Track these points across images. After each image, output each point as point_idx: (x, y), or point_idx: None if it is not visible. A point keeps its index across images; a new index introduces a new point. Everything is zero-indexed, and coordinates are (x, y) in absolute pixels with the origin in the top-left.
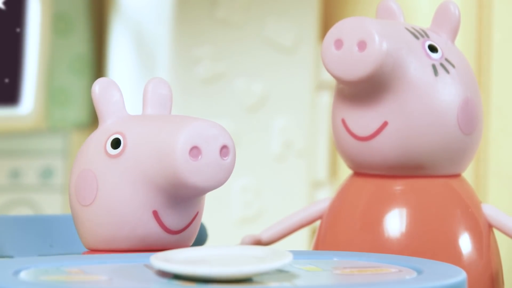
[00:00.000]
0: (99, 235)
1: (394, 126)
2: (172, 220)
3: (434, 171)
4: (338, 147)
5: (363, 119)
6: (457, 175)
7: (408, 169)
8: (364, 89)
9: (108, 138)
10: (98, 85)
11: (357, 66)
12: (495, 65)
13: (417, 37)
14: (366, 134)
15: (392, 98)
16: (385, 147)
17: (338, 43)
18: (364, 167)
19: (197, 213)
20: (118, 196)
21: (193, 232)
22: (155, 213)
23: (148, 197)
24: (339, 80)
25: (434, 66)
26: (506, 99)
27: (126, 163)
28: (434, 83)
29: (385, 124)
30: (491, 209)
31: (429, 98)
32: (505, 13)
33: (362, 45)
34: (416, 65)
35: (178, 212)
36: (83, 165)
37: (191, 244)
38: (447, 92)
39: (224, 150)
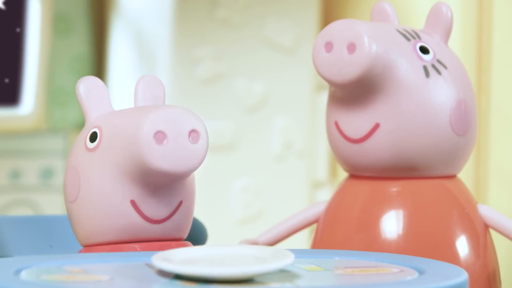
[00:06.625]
0: (86, 229)
1: (386, 127)
2: (152, 209)
3: (428, 172)
4: (333, 149)
5: (355, 122)
6: (452, 176)
7: (401, 171)
8: (355, 91)
9: (88, 133)
10: (82, 85)
11: (347, 69)
12: (495, 65)
13: (408, 39)
14: (359, 136)
15: (383, 100)
16: (377, 149)
17: (329, 46)
18: (359, 169)
19: (181, 202)
20: (97, 188)
21: (180, 221)
22: (133, 203)
23: (124, 187)
24: (330, 82)
25: (425, 68)
26: (506, 99)
27: (102, 155)
28: (425, 85)
29: (376, 126)
30: (487, 210)
31: (420, 100)
32: (505, 14)
33: (351, 48)
34: (406, 67)
35: (157, 201)
36: (69, 163)
37: (183, 235)
38: (439, 93)
39: (193, 134)
